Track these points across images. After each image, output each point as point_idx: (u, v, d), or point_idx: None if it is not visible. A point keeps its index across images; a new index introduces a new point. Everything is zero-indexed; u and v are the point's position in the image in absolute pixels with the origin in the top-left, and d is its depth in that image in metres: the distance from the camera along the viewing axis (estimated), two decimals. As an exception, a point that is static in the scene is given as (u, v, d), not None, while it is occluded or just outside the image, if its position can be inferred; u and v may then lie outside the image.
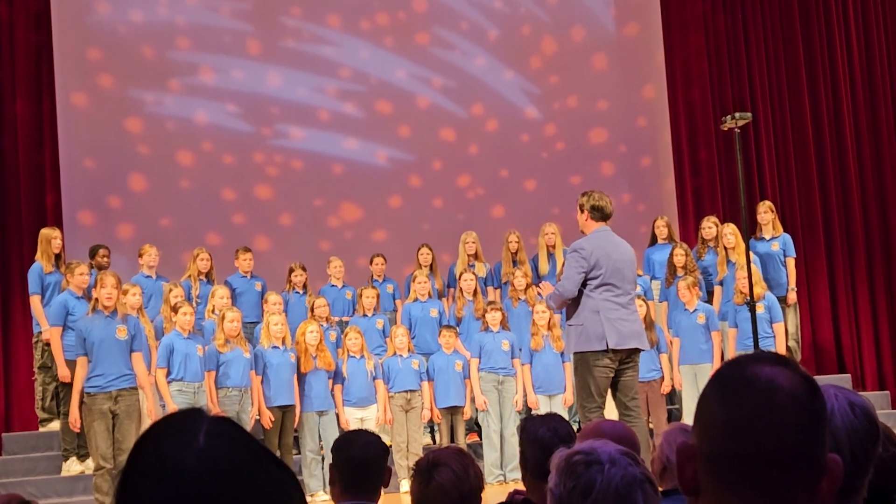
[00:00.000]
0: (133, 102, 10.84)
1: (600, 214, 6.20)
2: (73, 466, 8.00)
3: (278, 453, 7.40)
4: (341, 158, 11.37)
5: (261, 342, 8.23)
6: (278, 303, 8.59)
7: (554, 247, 9.72)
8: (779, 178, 10.97)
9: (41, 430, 8.61)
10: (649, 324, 8.26)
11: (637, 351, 6.18)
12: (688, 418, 8.16)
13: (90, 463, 7.42)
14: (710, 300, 9.26)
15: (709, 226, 9.60)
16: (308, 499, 7.50)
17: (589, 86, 11.76)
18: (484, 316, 8.68)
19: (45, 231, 8.58)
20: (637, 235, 9.98)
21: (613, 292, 6.05)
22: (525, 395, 8.49)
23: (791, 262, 9.53)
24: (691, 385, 8.53)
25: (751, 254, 8.01)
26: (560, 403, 8.38)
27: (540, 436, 3.24)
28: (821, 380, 1.47)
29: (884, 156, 11.02)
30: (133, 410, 7.00)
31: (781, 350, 8.50)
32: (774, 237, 9.57)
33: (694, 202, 11.00)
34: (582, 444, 1.99)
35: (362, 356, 8.37)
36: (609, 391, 6.15)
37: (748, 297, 7.49)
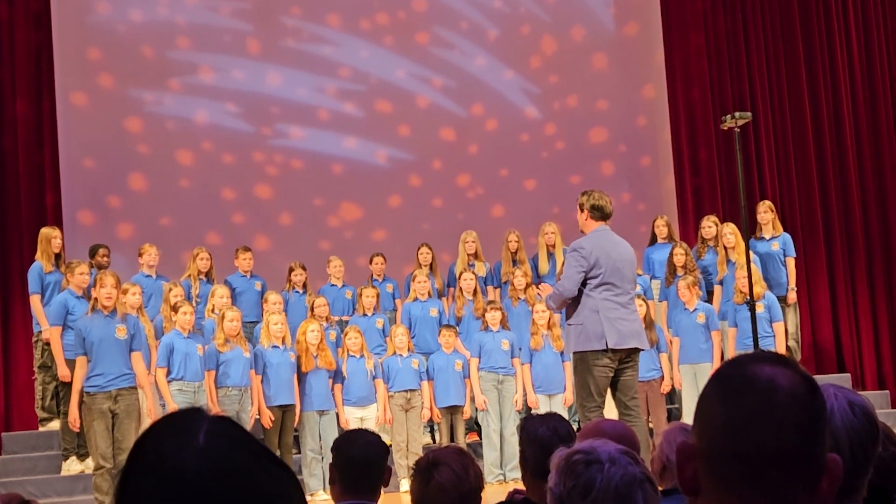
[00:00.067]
0: (133, 102, 10.84)
1: (600, 214, 6.20)
2: (72, 466, 8.00)
3: (278, 453, 7.43)
4: (341, 158, 11.38)
5: (261, 342, 8.23)
6: (278, 302, 8.59)
7: (554, 246, 9.72)
8: (779, 177, 10.97)
9: (41, 429, 8.61)
10: (649, 323, 8.26)
11: (637, 350, 6.17)
12: (687, 418, 8.17)
13: (90, 462, 7.42)
14: (709, 300, 9.25)
15: (708, 225, 9.60)
16: (308, 498, 7.50)
17: (589, 85, 11.76)
18: (484, 315, 8.67)
19: (45, 230, 8.58)
20: (637, 235, 9.98)
21: (613, 292, 6.04)
22: (525, 395, 8.49)
23: (791, 262, 9.53)
24: (691, 384, 8.53)
25: (751, 253, 8.01)
26: (560, 403, 8.38)
27: (540, 435, 3.24)
28: (820, 379, 1.47)
29: (884, 156, 11.02)
30: (133, 410, 7.00)
31: (781, 350, 8.50)
32: (774, 237, 9.57)
33: (694, 202, 11.00)
34: (582, 443, 1.99)
35: (362, 356, 8.37)
36: (609, 391, 6.15)
37: (748, 297, 7.49)
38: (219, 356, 7.82)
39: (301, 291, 9.54)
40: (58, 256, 8.48)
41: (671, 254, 9.24)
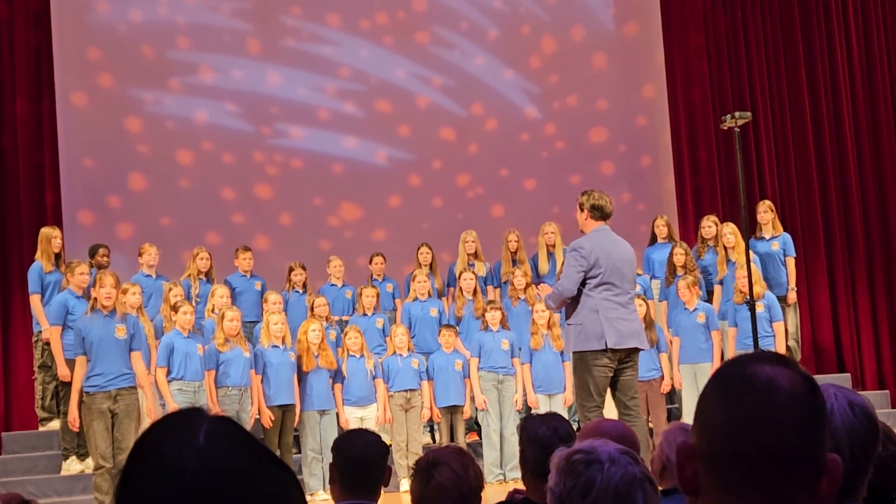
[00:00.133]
0: (133, 102, 10.84)
1: (600, 213, 6.20)
2: (72, 466, 8.00)
3: (278, 452, 7.42)
4: (341, 158, 11.38)
5: (261, 341, 8.23)
6: (278, 302, 8.59)
7: (554, 246, 9.72)
8: (778, 177, 10.97)
9: (41, 429, 8.61)
10: (649, 323, 8.26)
11: (636, 350, 6.17)
12: (687, 418, 8.17)
13: (90, 462, 7.42)
14: (709, 299, 9.25)
15: (708, 225, 9.60)
16: (308, 498, 7.50)
17: (589, 85, 11.76)
18: (483, 315, 8.67)
19: (45, 230, 8.58)
20: (637, 235, 9.98)
21: (613, 291, 6.04)
22: (525, 395, 8.49)
23: (791, 262, 9.53)
24: (691, 384, 8.53)
25: (750, 253, 8.01)
26: (560, 403, 8.38)
27: (540, 435, 3.24)
28: (820, 379, 1.47)
29: (884, 156, 11.02)
30: (132, 410, 7.00)
31: (781, 349, 8.50)
32: (774, 236, 9.57)
33: (694, 202, 11.00)
34: (582, 443, 1.99)
35: (362, 355, 8.37)
36: (608, 390, 6.14)
37: (748, 297, 7.49)
38: (219, 356, 7.82)
39: (301, 291, 9.55)
40: (58, 256, 8.48)
41: (671, 253, 9.24)
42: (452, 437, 8.47)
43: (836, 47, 11.04)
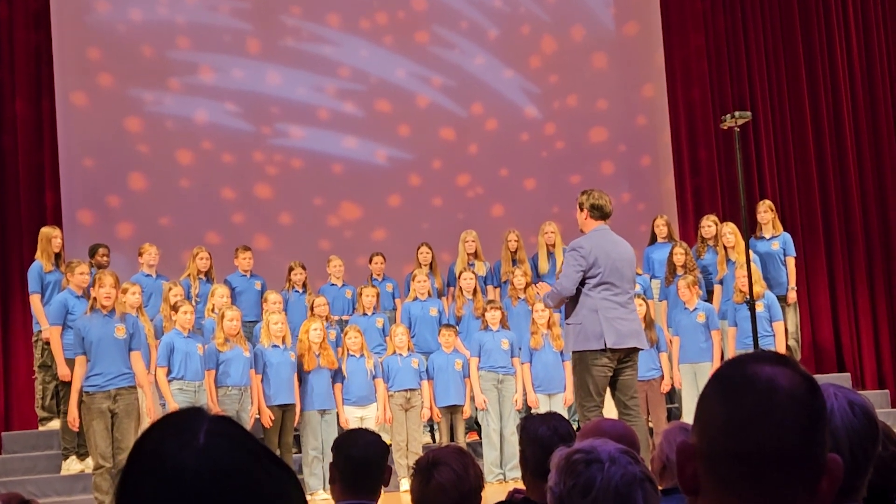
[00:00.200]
0: (133, 102, 10.84)
1: (600, 213, 6.20)
2: (72, 465, 8.00)
3: (278, 452, 7.42)
4: (341, 157, 11.38)
5: (261, 341, 8.23)
6: (278, 302, 8.59)
7: (553, 246, 9.72)
8: (778, 177, 10.97)
9: (41, 428, 8.61)
10: (649, 323, 8.27)
11: (636, 350, 6.17)
12: (687, 417, 8.17)
13: (90, 462, 7.42)
14: (709, 299, 9.25)
15: (708, 225, 9.60)
16: (308, 497, 7.49)
17: (589, 85, 11.76)
18: (483, 315, 8.67)
19: (45, 230, 8.58)
20: (637, 234, 9.98)
21: (612, 291, 6.04)
22: (525, 394, 8.49)
23: (791, 262, 9.53)
24: (691, 384, 8.53)
25: (750, 252, 8.01)
26: (560, 402, 8.38)
27: (540, 435, 3.24)
28: (820, 379, 1.47)
29: (884, 156, 11.01)
30: (132, 409, 7.00)
31: (781, 349, 8.50)
32: (774, 236, 9.57)
33: (693, 201, 11.00)
34: (582, 442, 1.99)
35: (362, 355, 8.37)
36: (608, 390, 6.14)
37: (748, 296, 7.49)
38: (219, 355, 7.82)
39: (301, 291, 9.55)
40: (58, 256, 8.48)
41: (671, 253, 9.24)
42: (452, 437, 8.47)
43: (836, 47, 11.04)
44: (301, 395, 8.12)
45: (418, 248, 9.87)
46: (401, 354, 8.41)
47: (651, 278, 9.52)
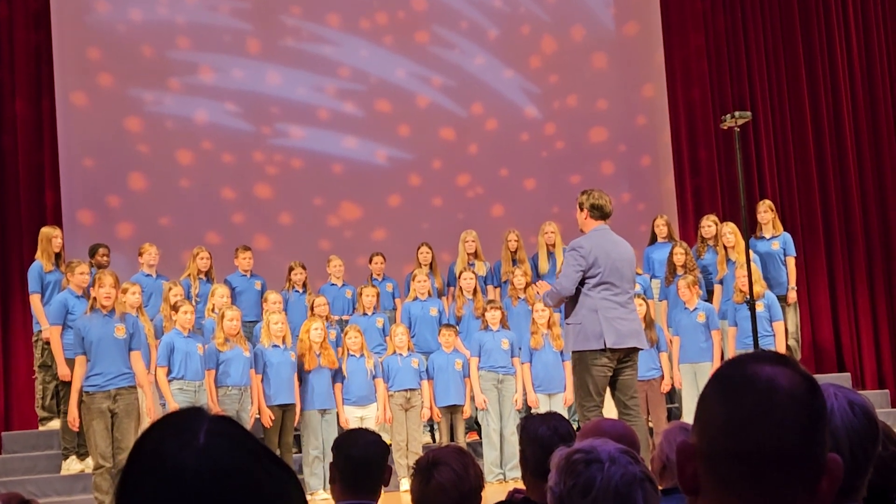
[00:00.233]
0: (133, 102, 10.84)
1: (600, 213, 6.20)
2: (72, 465, 8.00)
3: (278, 452, 7.41)
4: (341, 157, 11.38)
5: (261, 341, 8.23)
6: (278, 301, 8.59)
7: (554, 246, 9.72)
8: (779, 177, 10.97)
9: (41, 428, 8.61)
10: (649, 322, 8.27)
11: (635, 350, 6.17)
12: (687, 417, 8.17)
13: (90, 462, 7.42)
14: (709, 299, 9.25)
15: (708, 224, 9.60)
16: (308, 497, 7.49)
17: (588, 85, 11.75)
18: (483, 315, 8.67)
19: (45, 230, 8.58)
20: (637, 234, 9.99)
21: (612, 291, 6.04)
22: (525, 394, 8.49)
23: (791, 261, 9.53)
24: (691, 384, 8.53)
25: (750, 252, 8.01)
26: (560, 402, 8.38)
27: (540, 434, 3.24)
28: (820, 379, 1.47)
29: (884, 156, 11.01)
30: (132, 409, 7.00)
31: (781, 349, 8.50)
32: (774, 236, 9.57)
33: (693, 201, 11.00)
34: (582, 442, 1.99)
35: (362, 355, 8.37)
36: (608, 390, 6.14)
37: (748, 296, 7.49)
38: (219, 355, 7.82)
39: (301, 291, 9.55)
40: (58, 256, 8.48)
41: (671, 253, 9.24)
42: (452, 437, 8.47)
43: (836, 47, 11.04)
44: (302, 394, 8.12)
45: (418, 248, 9.87)
46: (401, 354, 8.41)
47: (651, 278, 9.52)
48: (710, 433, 1.29)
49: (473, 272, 9.32)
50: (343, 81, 11.40)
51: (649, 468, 2.05)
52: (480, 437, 8.55)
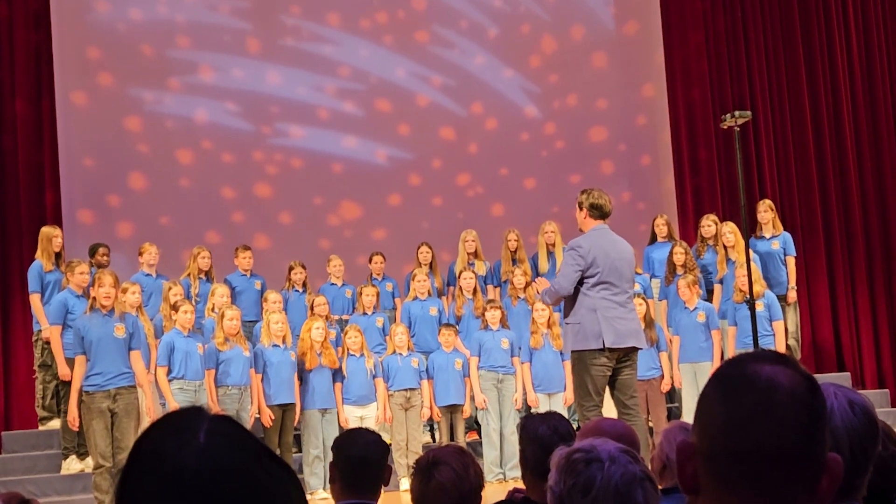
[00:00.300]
0: (133, 101, 10.84)
1: (599, 212, 6.20)
2: (72, 465, 8.00)
3: (278, 452, 7.41)
4: (341, 157, 11.38)
5: (261, 340, 8.23)
6: (278, 301, 8.59)
7: (553, 245, 9.72)
8: (779, 177, 10.97)
9: (41, 428, 8.61)
10: (649, 322, 8.27)
11: (635, 349, 6.17)
12: (687, 417, 8.17)
13: (90, 461, 7.42)
14: (709, 298, 9.26)
15: (708, 224, 9.60)
16: (308, 497, 7.50)
17: (588, 84, 11.75)
18: (483, 314, 8.68)
19: (45, 229, 8.58)
20: (637, 234, 9.99)
21: (611, 291, 6.04)
22: (525, 394, 8.49)
23: (791, 261, 9.53)
24: (691, 383, 8.53)
25: (750, 252, 8.01)
26: (560, 402, 8.38)
27: (540, 434, 3.24)
28: (820, 378, 1.47)
29: (884, 156, 11.01)
30: (132, 409, 7.00)
31: (781, 348, 8.50)
32: (774, 236, 9.57)
33: (693, 201, 11.00)
34: (582, 442, 1.99)
35: (362, 354, 8.37)
36: (608, 390, 6.14)
37: (748, 296, 7.49)
38: (219, 355, 7.82)
39: (301, 290, 9.55)
40: (58, 255, 8.48)
41: (671, 253, 9.24)
42: (452, 437, 8.47)
43: (836, 47, 11.03)
44: (302, 394, 8.12)
45: (418, 248, 9.87)
46: (401, 354, 8.41)
47: (651, 278, 9.52)
48: (710, 432, 1.29)
49: (473, 272, 9.32)
50: (343, 81, 11.40)
51: (649, 468, 2.05)
52: (480, 437, 8.55)
